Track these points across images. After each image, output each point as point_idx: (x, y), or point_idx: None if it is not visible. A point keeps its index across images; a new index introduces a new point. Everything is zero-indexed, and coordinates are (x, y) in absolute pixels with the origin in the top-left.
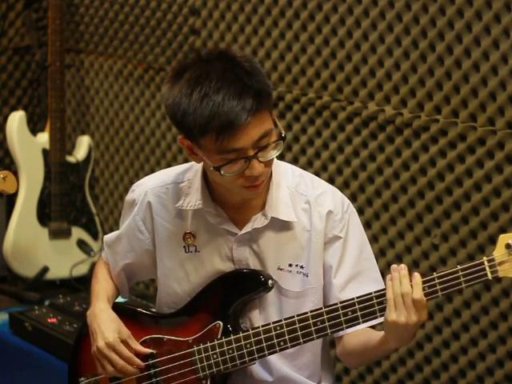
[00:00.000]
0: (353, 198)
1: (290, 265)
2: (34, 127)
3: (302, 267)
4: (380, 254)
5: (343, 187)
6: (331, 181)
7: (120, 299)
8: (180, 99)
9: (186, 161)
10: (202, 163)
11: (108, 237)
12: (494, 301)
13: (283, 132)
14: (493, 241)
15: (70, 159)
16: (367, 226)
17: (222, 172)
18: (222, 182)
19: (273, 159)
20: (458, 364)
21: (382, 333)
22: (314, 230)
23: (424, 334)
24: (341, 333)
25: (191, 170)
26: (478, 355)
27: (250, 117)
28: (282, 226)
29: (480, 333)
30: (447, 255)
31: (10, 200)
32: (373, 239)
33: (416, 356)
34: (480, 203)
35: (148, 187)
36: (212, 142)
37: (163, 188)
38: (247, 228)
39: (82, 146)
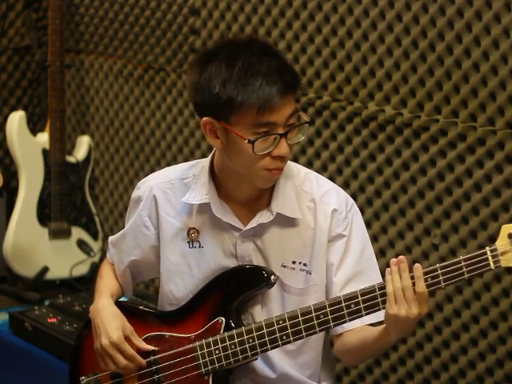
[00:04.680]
0: (353, 198)
1: (294, 262)
2: (34, 127)
3: (305, 265)
4: (380, 254)
5: (343, 187)
6: (331, 181)
7: (122, 298)
8: (219, 72)
9: (185, 161)
10: (209, 158)
11: (113, 237)
12: (494, 301)
13: (306, 118)
14: (493, 241)
15: (70, 159)
16: (367, 225)
17: (255, 146)
18: (243, 166)
19: (293, 145)
20: (457, 364)
21: (382, 326)
22: (319, 228)
23: (424, 334)
24: (340, 330)
25: (196, 166)
26: (477, 355)
27: (288, 93)
28: (287, 222)
29: (480, 333)
30: (447, 255)
31: (10, 200)
32: (373, 239)
33: (416, 356)
34: (480, 203)
35: (153, 183)
36: (251, 114)
37: (168, 184)
38: (252, 223)
39: (82, 146)
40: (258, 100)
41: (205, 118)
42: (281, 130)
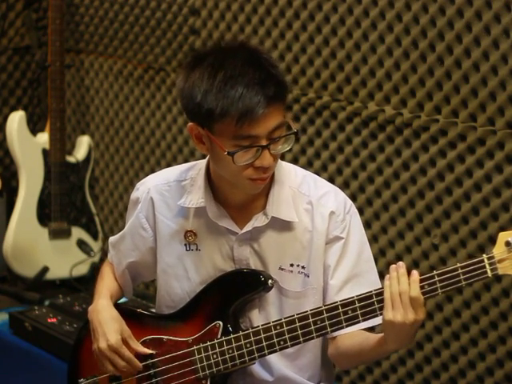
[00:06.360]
0: (353, 198)
1: (292, 265)
2: (34, 127)
3: (303, 267)
4: (380, 254)
5: (343, 187)
6: (331, 181)
7: (121, 299)
8: (202, 81)
9: (185, 161)
10: (205, 161)
11: (113, 237)
12: (494, 301)
13: (294, 127)
14: (493, 241)
15: (70, 159)
16: (367, 225)
17: (234, 158)
18: (227, 174)
19: (280, 154)
20: (457, 364)
21: (380, 335)
22: (316, 231)
23: (424, 334)
24: (335, 333)
25: (194, 169)
26: (477, 355)
27: (271, 105)
28: (284, 225)
29: (480, 333)
30: (447, 255)
31: (10, 200)
32: (373, 239)
33: (416, 356)
34: (480, 203)
35: (151, 185)
36: (231, 126)
37: (166, 186)
38: (248, 227)
39: (82, 146)
40: (237, 112)
41: (191, 124)
42: (264, 142)
